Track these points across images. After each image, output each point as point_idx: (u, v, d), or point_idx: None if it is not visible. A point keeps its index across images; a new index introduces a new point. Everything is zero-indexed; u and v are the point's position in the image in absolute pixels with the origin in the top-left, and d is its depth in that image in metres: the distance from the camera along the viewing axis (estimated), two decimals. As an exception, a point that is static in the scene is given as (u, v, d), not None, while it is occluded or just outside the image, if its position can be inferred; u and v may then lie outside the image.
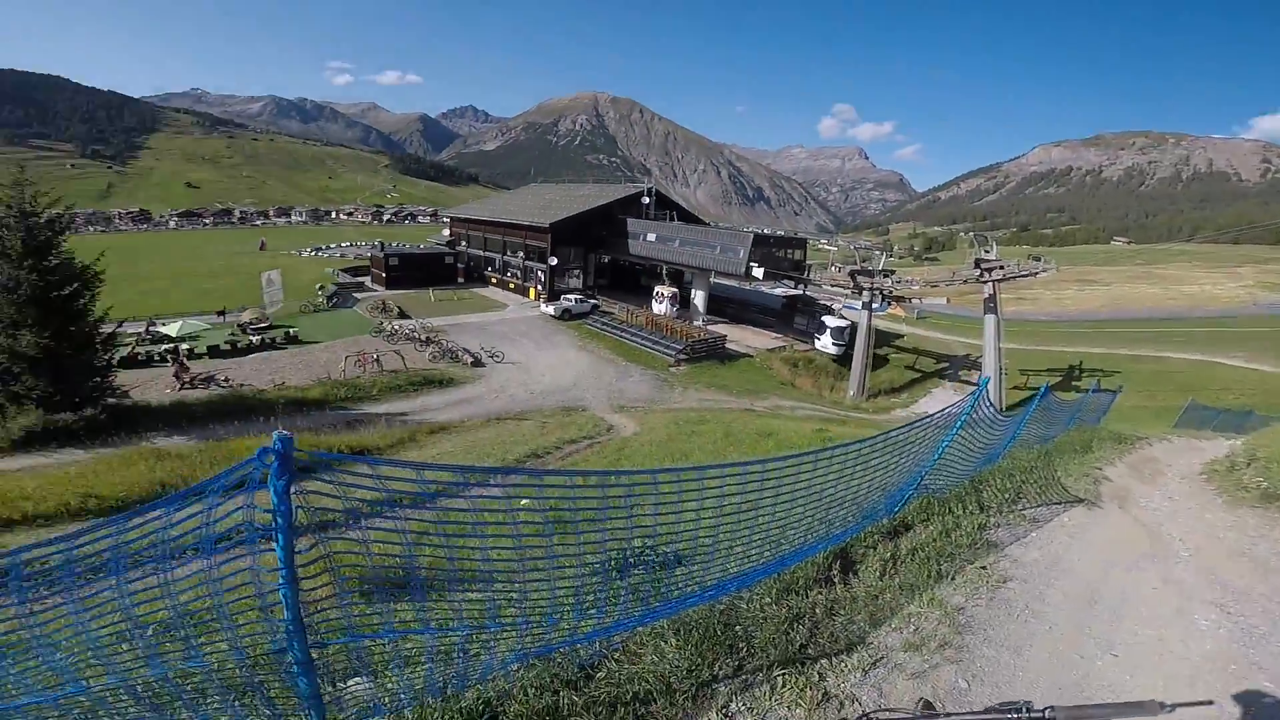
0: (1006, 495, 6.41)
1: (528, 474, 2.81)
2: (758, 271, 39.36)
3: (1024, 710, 1.31)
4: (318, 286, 48.32)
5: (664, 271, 47.31)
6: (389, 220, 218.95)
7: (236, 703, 2.63)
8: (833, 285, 46.88)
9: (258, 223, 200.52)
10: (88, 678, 2.61)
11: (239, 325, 35.60)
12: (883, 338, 47.22)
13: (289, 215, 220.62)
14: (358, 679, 2.88)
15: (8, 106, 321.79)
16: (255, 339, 32.87)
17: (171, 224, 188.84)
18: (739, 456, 14.84)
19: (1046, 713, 1.29)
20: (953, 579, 4.59)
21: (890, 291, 40.67)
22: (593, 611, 3.17)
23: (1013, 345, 46.38)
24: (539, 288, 48.03)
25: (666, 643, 3.37)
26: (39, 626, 2.43)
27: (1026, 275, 39.75)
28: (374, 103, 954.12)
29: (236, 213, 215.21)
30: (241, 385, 26.16)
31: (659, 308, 42.29)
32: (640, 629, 3.44)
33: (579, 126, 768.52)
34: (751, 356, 38.01)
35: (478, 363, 31.49)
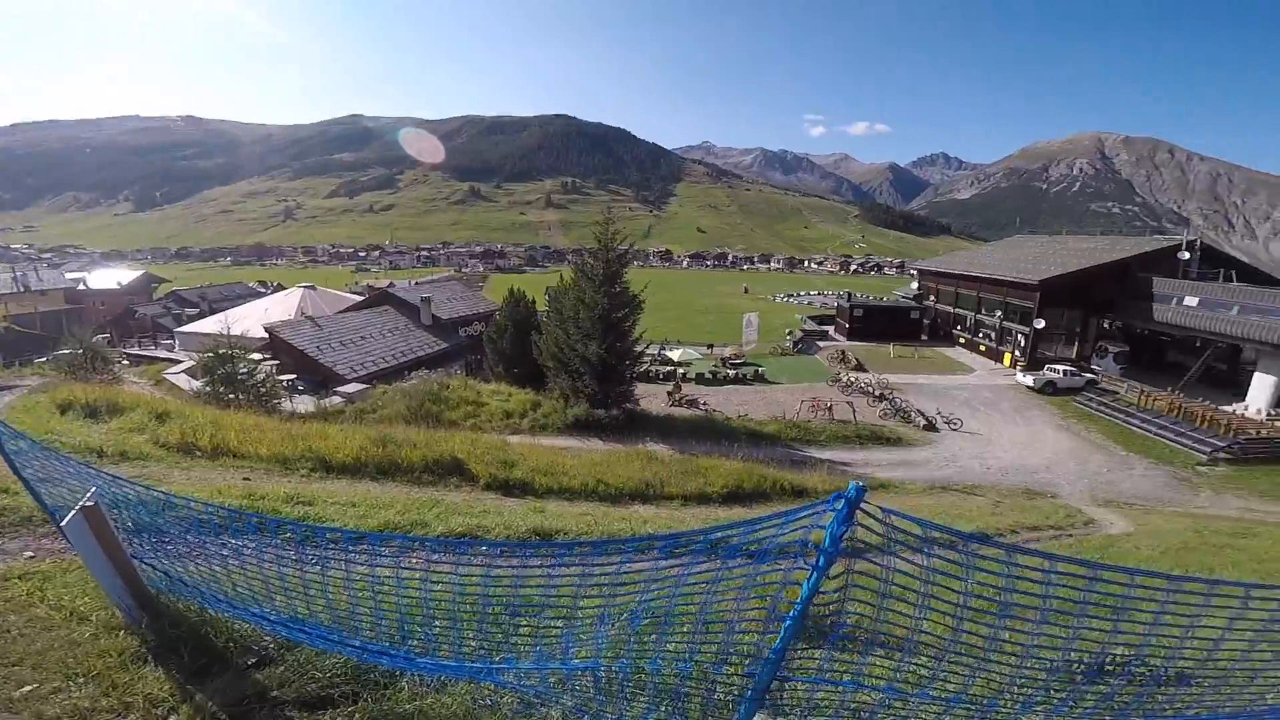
0: None
1: (1042, 557, 2.37)
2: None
3: None
4: (786, 331, 53.19)
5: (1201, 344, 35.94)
6: (855, 270, 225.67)
7: (667, 706, 2.94)
8: None
9: (744, 267, 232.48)
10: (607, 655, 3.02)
11: (721, 359, 41.80)
12: None
13: (769, 261, 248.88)
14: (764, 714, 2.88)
15: (598, 155, 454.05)
16: (731, 372, 38.14)
17: (684, 264, 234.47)
18: None
19: None
20: None
21: None
22: (1042, 710, 2.84)
23: None
24: (1017, 353, 42.49)
25: None
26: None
27: None
28: (845, 153, 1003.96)
29: (730, 256, 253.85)
30: (714, 410, 30.47)
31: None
32: None
33: (1078, 171, 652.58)
34: (1355, 471, 25.65)
35: (930, 426, 29.69)
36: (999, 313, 45.52)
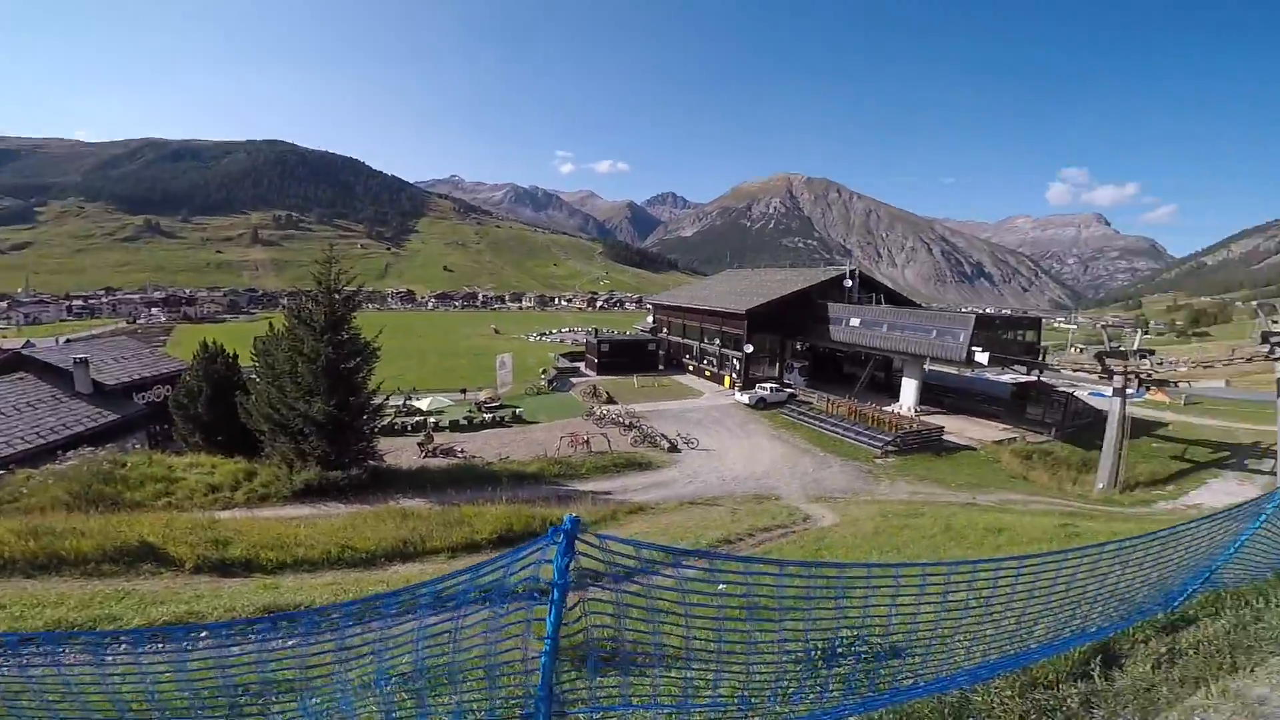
0: None
1: (767, 562, 2.87)
2: (981, 356, 35.78)
3: None
4: (540, 370, 53.87)
5: (865, 358, 45.26)
6: (601, 306, 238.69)
7: None
8: (1074, 369, 40.91)
9: (495, 306, 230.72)
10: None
11: (475, 404, 40.66)
12: (1141, 426, 39.91)
13: (520, 300, 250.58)
14: None
15: (323, 186, 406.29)
16: (488, 416, 37.19)
17: (429, 305, 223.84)
18: (962, 552, 13.53)
19: None
20: (1252, 670, 3.97)
21: (1149, 375, 34.31)
22: (797, 697, 3.14)
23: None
24: (734, 375, 48.55)
25: None
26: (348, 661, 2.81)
27: None
28: (591, 190, 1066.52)
29: (480, 296, 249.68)
30: (474, 457, 29.40)
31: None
32: (854, 718, 3.33)
33: (773, 209, 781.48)
34: (974, 449, 34.24)
35: (673, 448, 32.32)
36: (718, 340, 51.92)
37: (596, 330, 66.90)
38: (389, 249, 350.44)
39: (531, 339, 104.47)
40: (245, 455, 24.18)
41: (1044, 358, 41.17)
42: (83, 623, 7.54)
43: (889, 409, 38.68)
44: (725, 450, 32.79)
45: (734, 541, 16.97)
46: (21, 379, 29.95)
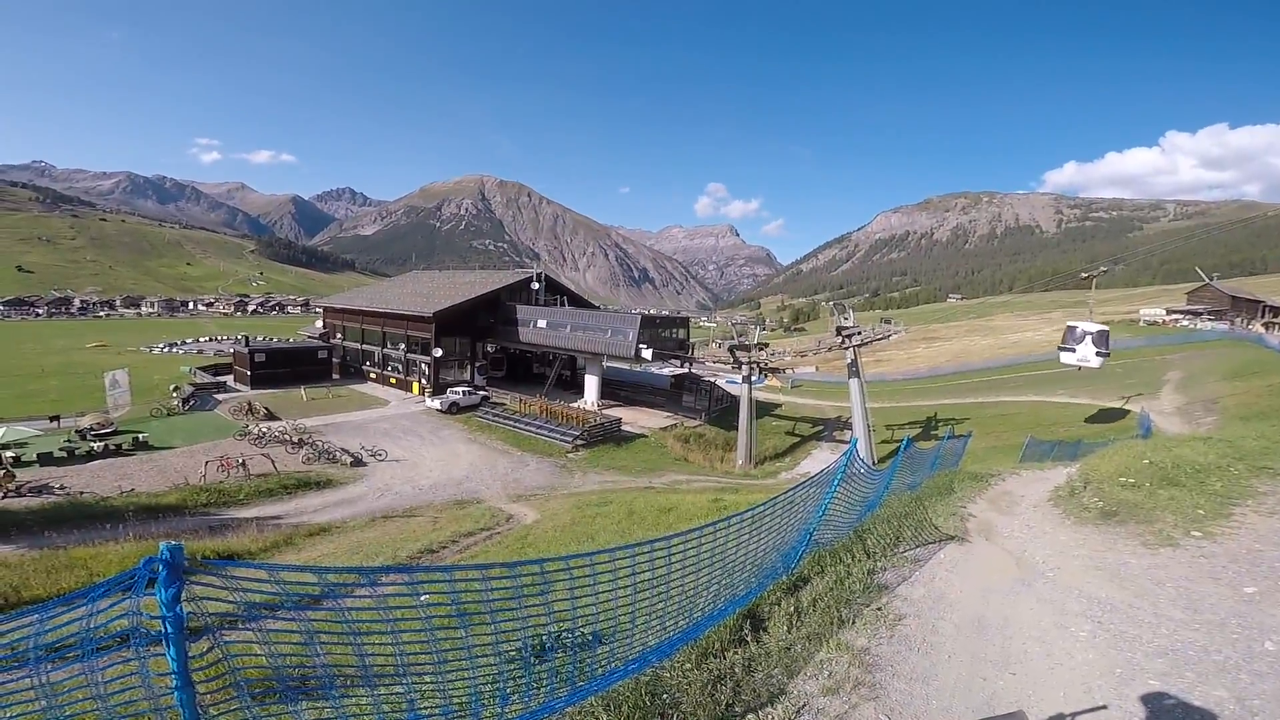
0: (888, 540, 7.02)
1: (429, 570, 2.83)
2: (647, 353, 40.50)
3: None
4: (172, 387, 43.89)
5: (553, 358, 47.54)
6: (255, 311, 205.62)
7: None
8: (714, 361, 49.00)
9: (102, 314, 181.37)
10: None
11: (77, 431, 31.47)
12: (763, 408, 49.60)
13: (139, 305, 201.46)
14: None
15: None
16: (98, 445, 29.29)
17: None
18: (643, 533, 14.85)
19: None
20: (853, 623, 4.93)
21: (766, 364, 42.99)
22: (515, 697, 3.17)
23: (877, 404, 50.23)
24: (423, 381, 46.53)
25: (597, 718, 3.43)
26: None
27: (881, 338, 43.08)
28: (242, 183, 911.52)
29: (76, 301, 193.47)
30: (82, 493, 23.63)
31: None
32: (569, 709, 3.45)
33: (464, 210, 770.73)
34: (646, 436, 38.53)
35: (358, 462, 29.80)
36: (403, 345, 49.03)
37: (248, 338, 57.09)
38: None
39: (157, 351, 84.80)
40: None
41: (693, 352, 48.47)
42: None
43: (576, 405, 41.31)
44: (419, 459, 31.35)
45: (437, 550, 16.58)
46: None
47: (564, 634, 3.57)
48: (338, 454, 30.18)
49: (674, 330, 47.87)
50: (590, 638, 3.60)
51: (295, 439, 32.08)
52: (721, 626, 4.53)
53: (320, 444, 31.31)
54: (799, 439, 44.37)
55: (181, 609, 2.09)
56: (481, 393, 43.70)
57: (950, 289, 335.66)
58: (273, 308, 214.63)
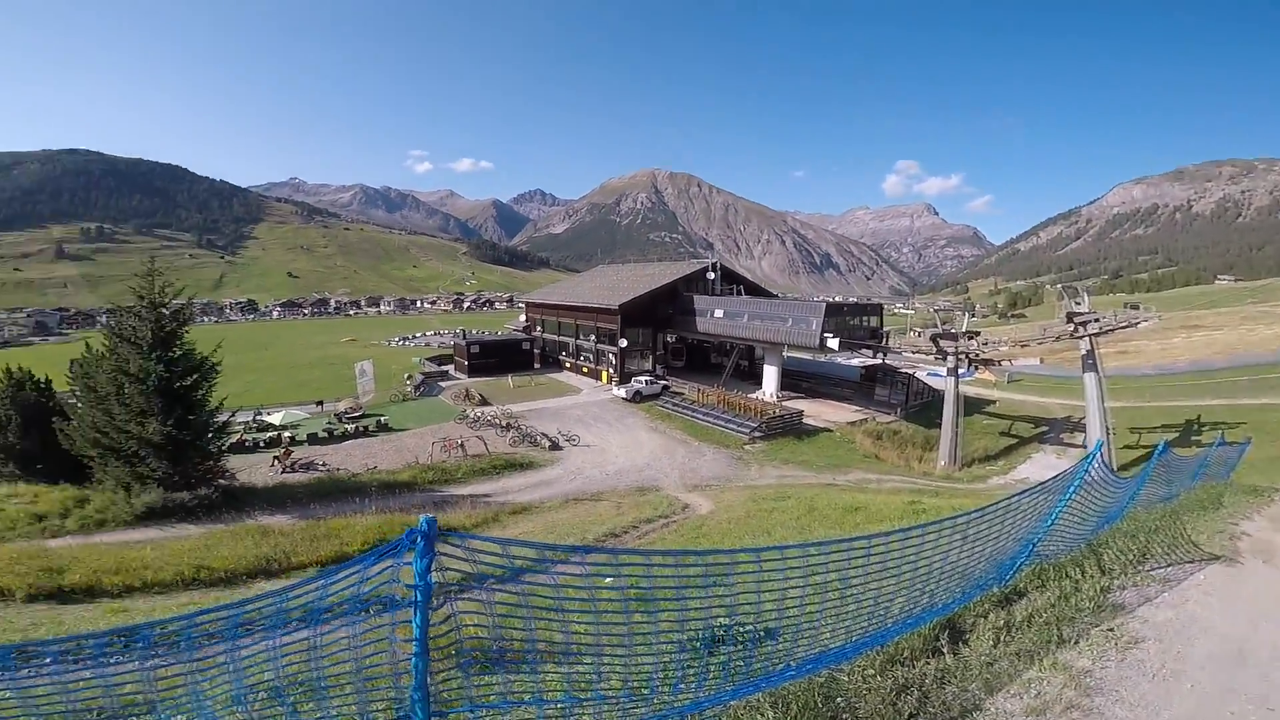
0: (1130, 557, 6.11)
1: (628, 553, 2.98)
2: (833, 342, 38.69)
3: None
4: (405, 375, 51.14)
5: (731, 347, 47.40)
6: (469, 307, 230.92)
7: None
8: (913, 351, 45.44)
9: (351, 312, 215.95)
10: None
11: (335, 414, 37.93)
12: (972, 404, 45.02)
13: (379, 305, 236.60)
14: None
15: (138, 195, 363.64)
16: (350, 427, 34.95)
17: (274, 314, 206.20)
18: (825, 532, 14.29)
19: None
20: (1076, 643, 4.42)
21: (976, 354, 38.83)
22: (682, 687, 3.19)
23: (1119, 403, 43.20)
24: (611, 370, 48.98)
25: (763, 715, 3.35)
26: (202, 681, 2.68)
27: (1126, 326, 36.78)
28: (451, 190, 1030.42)
29: (332, 302, 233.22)
30: (338, 469, 27.96)
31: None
32: (734, 703, 3.41)
33: (639, 204, 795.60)
34: (831, 431, 36.94)
35: (555, 446, 32.12)
36: (593, 336, 52.07)
37: (465, 332, 64.58)
38: (223, 257, 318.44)
39: (394, 344, 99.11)
40: (73, 482, 22.17)
41: (887, 341, 45.29)
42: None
43: (754, 396, 40.85)
44: (607, 445, 33.03)
45: (619, 534, 17.20)
46: None
47: (736, 627, 3.53)
48: (538, 438, 32.79)
49: (864, 318, 45.13)
50: (762, 633, 3.53)
51: (504, 423, 35.26)
52: (914, 634, 4.24)
53: (524, 428, 34.14)
54: (1016, 440, 39.59)
55: (431, 578, 2.24)
56: (662, 382, 44.93)
57: (1219, 269, 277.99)
58: (483, 304, 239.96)
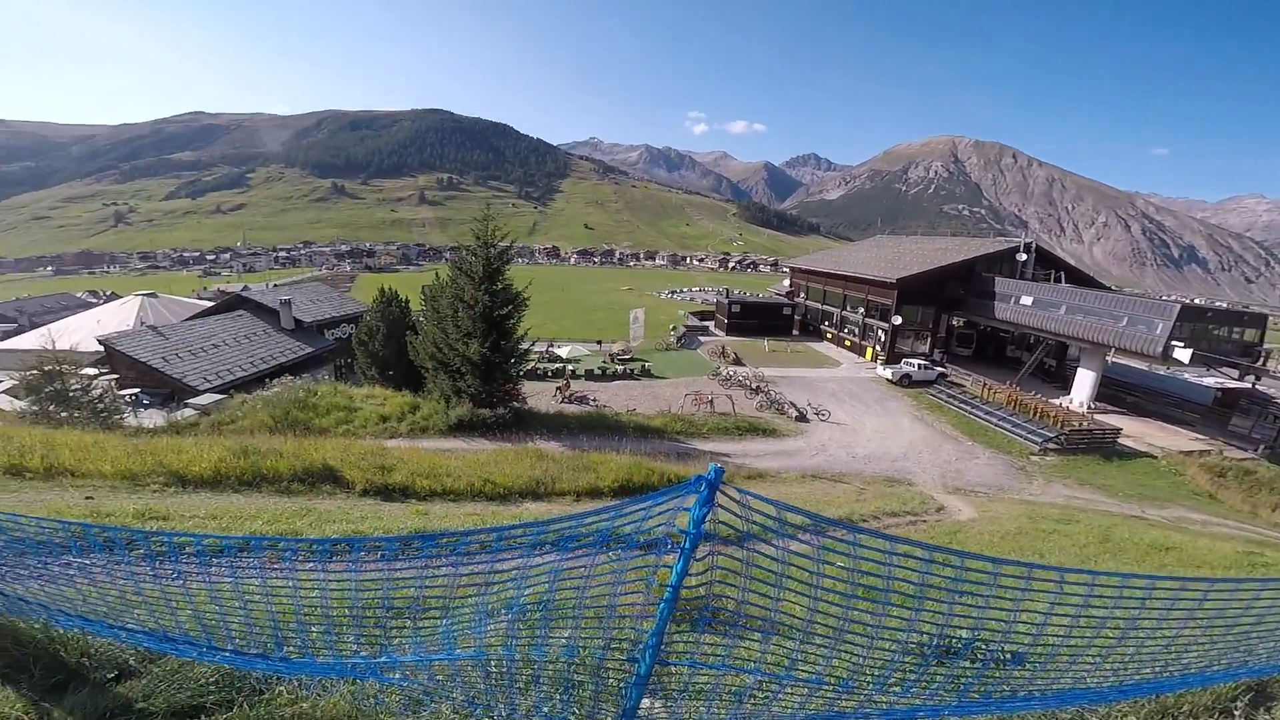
0: None
1: (873, 535, 2.41)
2: (1182, 354, 30.50)
3: None
4: (670, 327, 54.02)
5: (1035, 342, 40.27)
6: (733, 268, 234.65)
7: (560, 695, 2.97)
8: (1301, 378, 34.06)
9: (631, 264, 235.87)
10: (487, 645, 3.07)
11: (609, 355, 41.76)
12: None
13: (654, 258, 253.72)
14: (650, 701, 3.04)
15: (477, 150, 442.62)
16: (620, 368, 38.43)
17: (572, 260, 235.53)
18: (1117, 568, 11.79)
19: None
20: None
21: None
22: (896, 690, 2.95)
23: None
24: (878, 348, 45.62)
25: None
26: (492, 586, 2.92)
27: None
28: (724, 151, 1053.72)
29: (617, 253, 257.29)
30: (605, 406, 30.61)
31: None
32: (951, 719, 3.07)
33: (933, 174, 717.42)
34: (1154, 458, 29.71)
35: (802, 418, 31.11)
36: (862, 309, 48.75)
37: (728, 290, 65.54)
38: (536, 208, 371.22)
39: (663, 296, 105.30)
40: (411, 390, 27.37)
41: (1264, 361, 34.38)
42: (272, 535, 8.43)
43: (1057, 402, 34.47)
44: (859, 426, 31.07)
45: (857, 522, 15.94)
46: (240, 316, 36.02)
47: (978, 644, 3.06)
48: (786, 406, 32.06)
49: (1234, 329, 34.60)
50: (1008, 656, 3.05)
51: (753, 385, 35.25)
52: (1203, 690, 3.57)
53: (773, 394, 33.72)
54: None
55: (704, 528, 2.23)
56: (939, 369, 40.45)
57: None
58: (748, 266, 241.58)
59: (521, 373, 27.77)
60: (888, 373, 39.71)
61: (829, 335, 53.16)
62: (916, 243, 59.58)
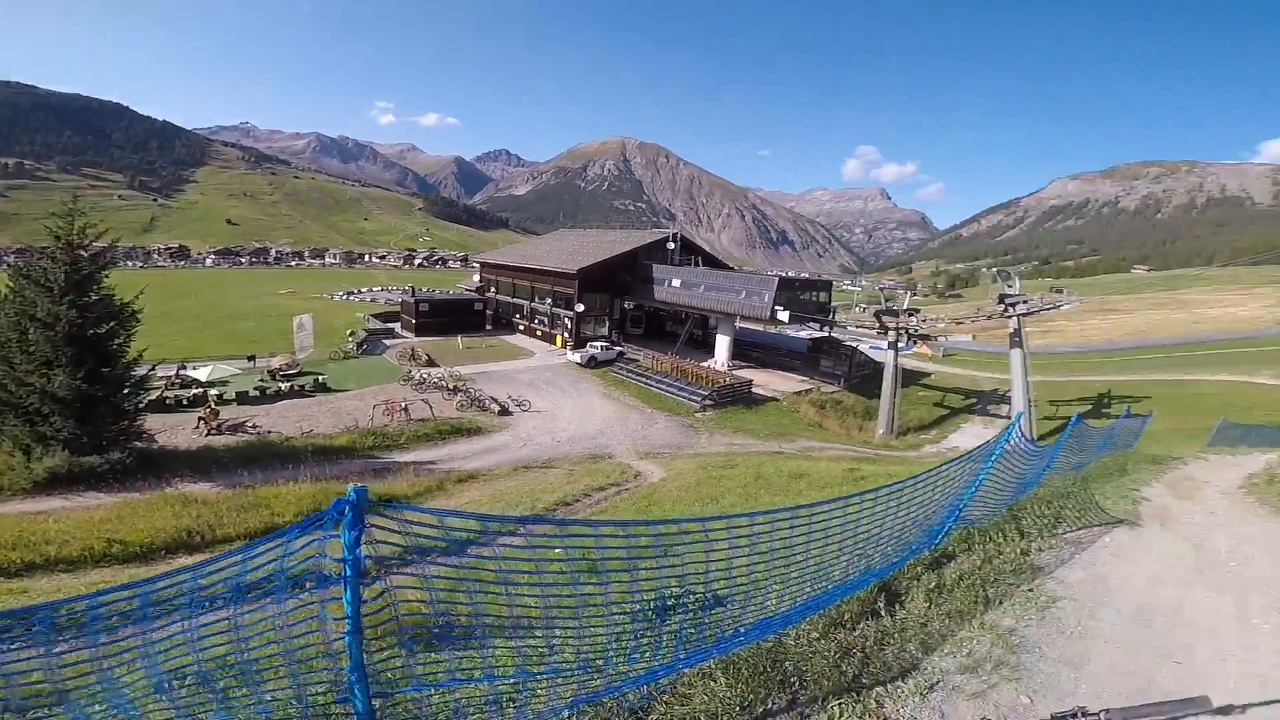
0: (1046, 521, 6.55)
1: (575, 523, 2.99)
2: (783, 315, 39.35)
3: (1079, 715, 1.35)
4: (348, 332, 49.45)
5: (686, 316, 47.59)
6: (420, 264, 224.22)
7: None
8: (858, 326, 46.70)
9: (293, 263, 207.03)
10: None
11: (269, 371, 35.59)
12: (910, 376, 46.67)
13: (323, 257, 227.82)
14: None
15: (69, 132, 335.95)
16: (285, 385, 32.77)
17: (208, 261, 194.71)
18: (771, 499, 14.66)
19: (1102, 715, 1.33)
20: (1000, 603, 4.72)
21: (916, 330, 40.33)
22: (635, 655, 3.20)
23: (1040, 377, 45.65)
24: (566, 335, 48.65)
25: (715, 681, 3.41)
26: (106, 669, 2.48)
27: (1050, 309, 39.50)
28: (412, 144, 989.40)
29: (273, 252, 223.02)
30: (269, 432, 26.18)
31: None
32: (687, 671, 3.48)
33: (607, 172, 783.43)
34: (778, 400, 37.80)
35: (504, 411, 31.68)
36: (549, 300, 51.48)
37: (414, 289, 62.82)
38: (156, 200, 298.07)
39: (337, 298, 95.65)
40: None
41: (834, 316, 46.33)
42: None
43: (706, 364, 41.33)
44: (559, 411, 32.87)
45: (571, 503, 17.09)
46: None
47: (687, 594, 3.60)
48: (487, 402, 32.15)
49: (814, 293, 46.02)
50: (712, 599, 3.62)
51: (451, 385, 34.40)
52: (853, 598, 4.45)
53: (473, 391, 33.38)
54: (948, 411, 41.50)
55: (361, 552, 2.12)
56: (618, 348, 44.90)
57: (1136, 260, 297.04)
58: (436, 262, 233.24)
59: (141, 405, 22.26)
60: (576, 357, 42.81)
61: (521, 327, 54.86)
62: (593, 235, 65.00)
